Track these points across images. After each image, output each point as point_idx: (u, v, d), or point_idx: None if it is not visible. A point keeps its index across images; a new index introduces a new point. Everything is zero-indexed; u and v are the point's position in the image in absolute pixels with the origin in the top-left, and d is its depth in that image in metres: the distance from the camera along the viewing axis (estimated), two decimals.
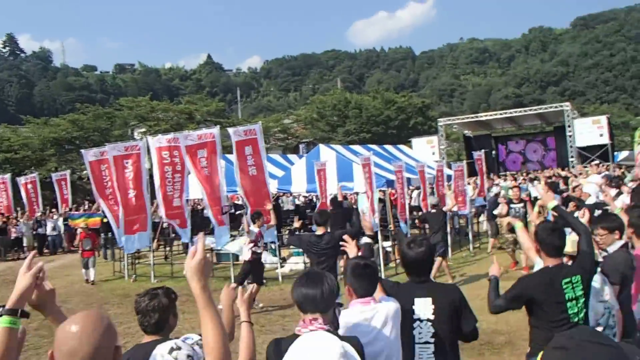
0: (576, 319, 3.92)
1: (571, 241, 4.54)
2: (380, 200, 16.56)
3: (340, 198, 14.53)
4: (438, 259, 12.12)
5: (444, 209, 13.81)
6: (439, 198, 14.92)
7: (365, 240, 12.05)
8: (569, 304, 3.92)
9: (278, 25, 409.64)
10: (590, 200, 10.28)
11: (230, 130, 13.90)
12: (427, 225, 13.59)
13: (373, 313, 3.33)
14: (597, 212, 9.41)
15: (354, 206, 16.51)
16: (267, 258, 16.30)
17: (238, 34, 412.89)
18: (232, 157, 18.54)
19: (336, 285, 3.08)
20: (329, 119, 63.56)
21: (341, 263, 10.75)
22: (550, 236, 4.14)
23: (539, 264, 4.48)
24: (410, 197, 20.32)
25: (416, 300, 3.79)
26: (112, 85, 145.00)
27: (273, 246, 16.04)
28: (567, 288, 3.93)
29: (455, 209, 16.69)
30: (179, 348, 2.78)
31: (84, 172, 42.99)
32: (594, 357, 1.65)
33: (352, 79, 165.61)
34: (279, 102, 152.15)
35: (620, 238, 4.86)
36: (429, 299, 3.74)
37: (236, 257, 15.95)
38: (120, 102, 54.72)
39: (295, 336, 2.96)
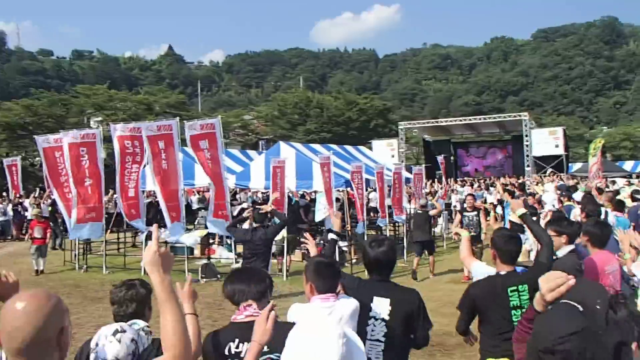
0: None
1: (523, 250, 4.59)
2: (338, 200, 16.58)
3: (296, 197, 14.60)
4: (430, 257, 13.34)
5: (430, 213, 13.96)
6: (426, 199, 15.21)
7: (331, 236, 12.02)
8: (513, 312, 4.00)
9: (242, 20, 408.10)
10: (546, 209, 10.51)
11: (186, 124, 13.71)
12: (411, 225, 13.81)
13: (330, 310, 3.32)
14: None
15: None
16: (222, 254, 16.20)
17: (201, 27, 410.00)
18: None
19: (269, 278, 3.16)
20: (290, 117, 63.47)
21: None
22: (507, 243, 4.24)
23: (476, 271, 4.58)
24: (368, 199, 20.40)
25: (375, 298, 3.83)
26: (68, 71, 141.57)
27: (229, 241, 15.91)
28: (512, 295, 4.02)
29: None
30: (123, 331, 2.75)
31: (37, 158, 42.00)
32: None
33: (314, 78, 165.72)
34: (240, 98, 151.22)
35: (568, 243, 4.96)
36: (388, 300, 3.78)
37: (191, 250, 15.80)
38: (77, 89, 53.67)
39: (231, 324, 2.92)
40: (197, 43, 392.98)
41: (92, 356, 2.74)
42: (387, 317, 3.78)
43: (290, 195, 18.24)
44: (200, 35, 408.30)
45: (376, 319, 3.79)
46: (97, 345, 2.75)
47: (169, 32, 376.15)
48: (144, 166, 14.52)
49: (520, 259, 4.55)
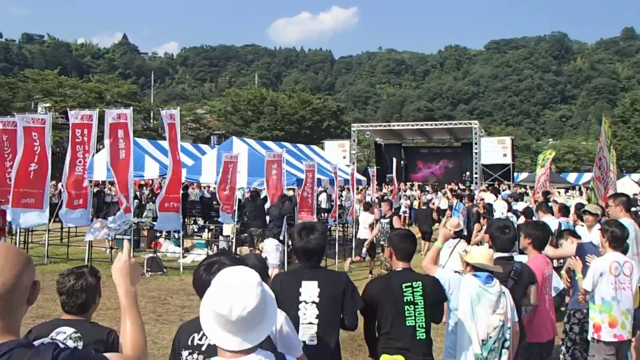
0: (412, 323, 4.11)
1: (487, 255, 4.65)
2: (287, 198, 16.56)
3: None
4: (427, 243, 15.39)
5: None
6: (430, 198, 16.13)
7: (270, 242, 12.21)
8: (406, 307, 4.12)
9: (199, 14, 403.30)
10: (496, 216, 10.76)
11: (162, 112, 13.82)
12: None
13: None
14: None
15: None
16: (169, 247, 16.00)
17: (157, 17, 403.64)
18: (142, 141, 18.22)
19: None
20: (243, 113, 63.18)
21: None
22: (402, 242, 4.38)
23: (441, 279, 4.58)
24: (318, 199, 20.48)
25: (303, 282, 3.93)
26: (17, 55, 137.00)
27: (176, 235, 15.72)
28: (407, 291, 4.14)
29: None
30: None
31: None
32: None
33: (269, 75, 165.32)
34: (193, 91, 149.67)
35: (496, 251, 5.03)
36: (316, 282, 3.88)
37: (137, 243, 15.57)
38: (25, 73, 52.05)
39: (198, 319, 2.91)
40: (152, 34, 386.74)
41: None
42: (316, 299, 3.87)
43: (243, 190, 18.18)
44: (155, 26, 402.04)
45: (307, 302, 3.88)
46: None
47: (123, 20, 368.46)
48: (93, 155, 14.25)
49: (490, 263, 4.60)
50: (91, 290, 3.24)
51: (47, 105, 45.70)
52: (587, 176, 41.98)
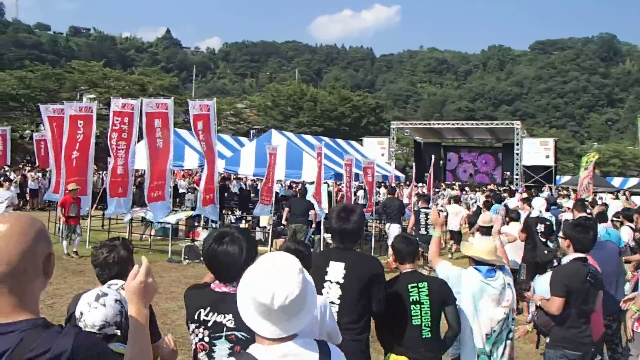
0: (419, 322, 4.12)
1: (487, 249, 4.60)
2: (329, 194, 16.59)
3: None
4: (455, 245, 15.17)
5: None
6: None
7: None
8: (412, 307, 4.13)
9: (242, 10, 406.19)
10: (534, 214, 10.55)
11: (190, 103, 13.82)
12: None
13: None
14: (540, 226, 9.75)
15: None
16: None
17: (200, 13, 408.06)
18: (183, 131, 18.44)
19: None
20: (282, 109, 63.42)
21: None
22: (406, 246, 4.37)
23: (439, 272, 4.66)
24: (356, 195, 20.48)
25: (331, 263, 4.00)
26: (64, 47, 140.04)
27: (214, 225, 15.89)
28: (412, 291, 4.15)
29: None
30: (105, 294, 2.67)
31: (26, 131, 41.68)
32: None
33: (310, 72, 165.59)
34: (234, 86, 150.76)
35: (574, 251, 4.80)
36: (342, 264, 3.95)
37: (175, 232, 15.79)
38: (72, 64, 53.18)
39: (208, 290, 2.92)
40: (195, 29, 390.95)
41: (81, 324, 2.70)
42: (341, 281, 3.94)
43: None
44: (198, 22, 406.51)
45: (331, 282, 3.97)
46: (81, 314, 2.68)
47: (167, 15, 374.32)
48: (135, 144, 14.51)
49: (489, 257, 4.54)
50: (123, 262, 3.29)
51: (92, 96, 46.60)
52: (633, 181, 40.96)
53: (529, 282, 7.50)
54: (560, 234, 4.96)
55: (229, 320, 2.79)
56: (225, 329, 2.79)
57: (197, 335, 2.86)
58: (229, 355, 2.77)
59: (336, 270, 3.97)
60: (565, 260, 4.89)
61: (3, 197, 12.15)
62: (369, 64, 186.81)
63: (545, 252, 9.55)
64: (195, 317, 2.86)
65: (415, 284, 4.17)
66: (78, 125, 13.90)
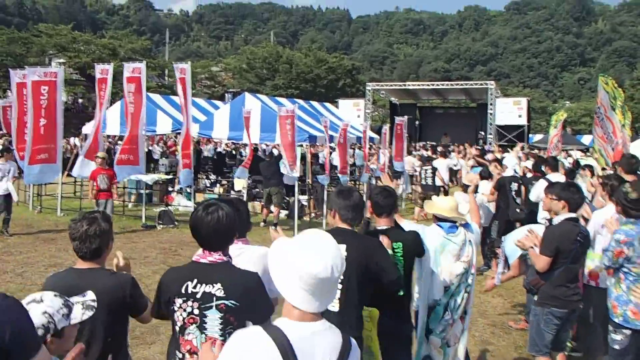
0: None
1: (448, 206, 4.65)
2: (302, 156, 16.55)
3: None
4: None
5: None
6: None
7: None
8: None
9: None
10: (507, 173, 10.68)
11: (175, 66, 13.83)
12: None
13: (239, 252, 3.48)
14: (514, 184, 9.88)
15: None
16: (181, 202, 16.12)
17: None
18: (155, 96, 18.17)
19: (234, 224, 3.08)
20: (258, 71, 62.82)
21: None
22: (385, 199, 4.30)
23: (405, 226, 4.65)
24: (331, 156, 20.48)
25: None
26: (31, 9, 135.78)
27: (188, 190, 15.84)
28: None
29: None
30: (39, 301, 2.30)
31: None
32: None
33: (285, 34, 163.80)
34: (208, 49, 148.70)
35: (569, 211, 4.87)
36: (344, 246, 3.67)
37: (149, 197, 15.71)
38: (39, 27, 51.85)
39: (192, 263, 2.94)
40: None
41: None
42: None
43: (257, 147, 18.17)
44: None
45: None
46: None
47: None
48: (107, 108, 14.35)
49: (450, 214, 4.59)
50: (104, 235, 3.22)
51: (61, 60, 45.64)
52: None
53: (501, 240, 7.62)
54: (553, 196, 4.98)
55: (218, 289, 2.80)
56: (215, 298, 2.80)
57: (184, 310, 2.86)
58: (222, 324, 2.80)
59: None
60: (556, 220, 4.96)
61: (5, 169, 11.75)
62: (346, 26, 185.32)
63: (517, 210, 9.70)
64: (183, 291, 2.85)
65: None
66: (42, 92, 13.51)
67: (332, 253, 1.99)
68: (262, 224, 13.64)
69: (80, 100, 46.40)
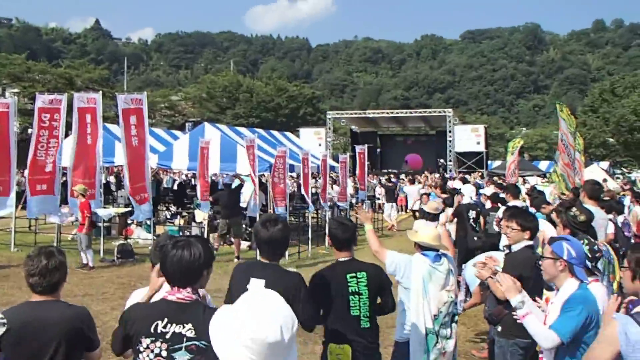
0: (357, 313, 4.11)
1: (432, 235, 4.69)
2: (262, 184, 16.43)
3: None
4: None
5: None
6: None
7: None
8: (351, 297, 4.10)
9: None
10: (465, 201, 10.78)
11: (119, 97, 13.25)
12: None
13: None
14: (471, 212, 9.96)
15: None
16: (140, 234, 15.81)
17: (131, 2, 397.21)
18: (113, 126, 17.90)
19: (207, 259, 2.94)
20: (218, 100, 62.74)
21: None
22: (343, 232, 4.24)
23: (391, 261, 4.68)
24: (292, 184, 20.48)
25: (252, 279, 3.74)
26: None
27: (148, 222, 15.54)
28: (351, 282, 4.12)
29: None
30: None
31: None
32: None
33: (246, 63, 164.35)
34: (168, 78, 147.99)
35: (530, 239, 4.94)
36: (263, 281, 3.67)
37: (108, 230, 15.36)
38: None
39: (163, 301, 2.82)
40: (126, 19, 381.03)
41: None
42: None
43: (214, 178, 18.02)
44: (129, 11, 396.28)
45: None
46: None
47: (96, 5, 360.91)
48: (62, 141, 14.02)
49: (434, 242, 4.62)
50: (63, 268, 3.21)
51: (15, 90, 44.72)
52: None
53: (460, 268, 7.65)
54: (514, 225, 5.00)
55: (189, 329, 2.70)
56: (185, 339, 2.69)
57: (152, 351, 2.73)
58: None
59: (256, 287, 3.69)
60: (515, 248, 4.99)
61: None
62: (305, 54, 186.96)
63: (475, 238, 9.77)
64: (152, 330, 2.73)
65: (354, 274, 4.13)
66: None
67: (278, 312, 1.91)
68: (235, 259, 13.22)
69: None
